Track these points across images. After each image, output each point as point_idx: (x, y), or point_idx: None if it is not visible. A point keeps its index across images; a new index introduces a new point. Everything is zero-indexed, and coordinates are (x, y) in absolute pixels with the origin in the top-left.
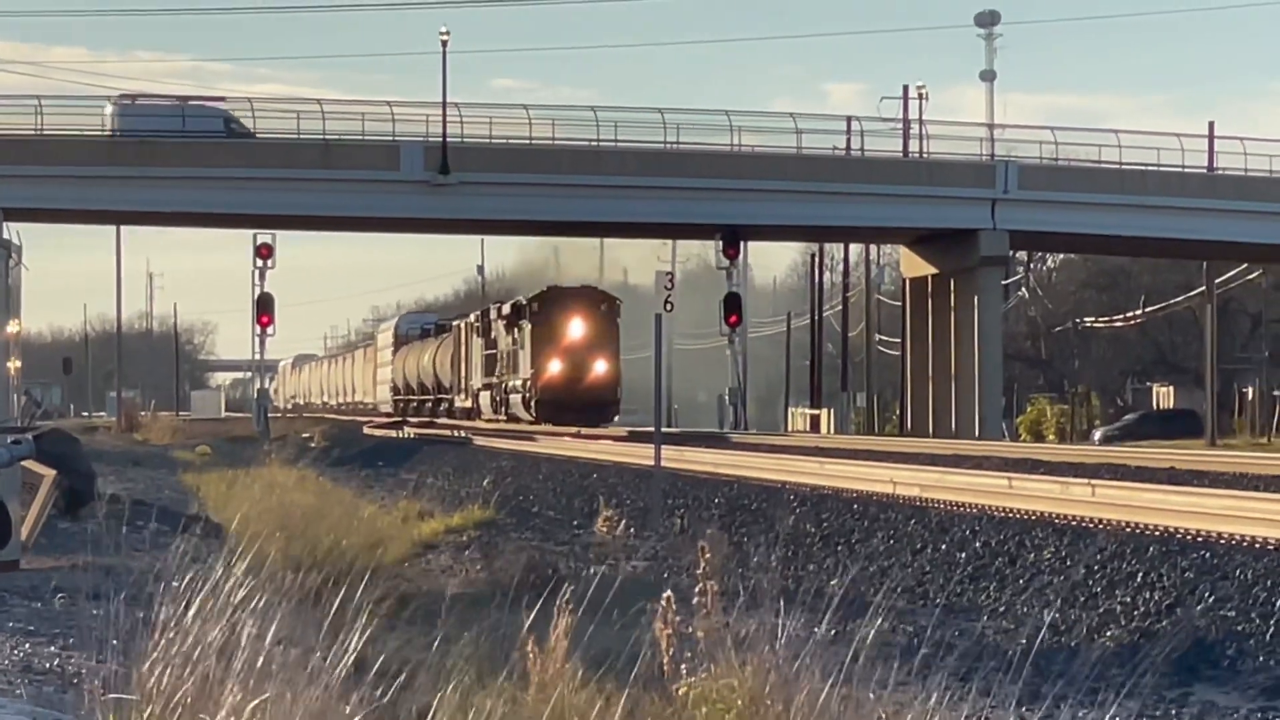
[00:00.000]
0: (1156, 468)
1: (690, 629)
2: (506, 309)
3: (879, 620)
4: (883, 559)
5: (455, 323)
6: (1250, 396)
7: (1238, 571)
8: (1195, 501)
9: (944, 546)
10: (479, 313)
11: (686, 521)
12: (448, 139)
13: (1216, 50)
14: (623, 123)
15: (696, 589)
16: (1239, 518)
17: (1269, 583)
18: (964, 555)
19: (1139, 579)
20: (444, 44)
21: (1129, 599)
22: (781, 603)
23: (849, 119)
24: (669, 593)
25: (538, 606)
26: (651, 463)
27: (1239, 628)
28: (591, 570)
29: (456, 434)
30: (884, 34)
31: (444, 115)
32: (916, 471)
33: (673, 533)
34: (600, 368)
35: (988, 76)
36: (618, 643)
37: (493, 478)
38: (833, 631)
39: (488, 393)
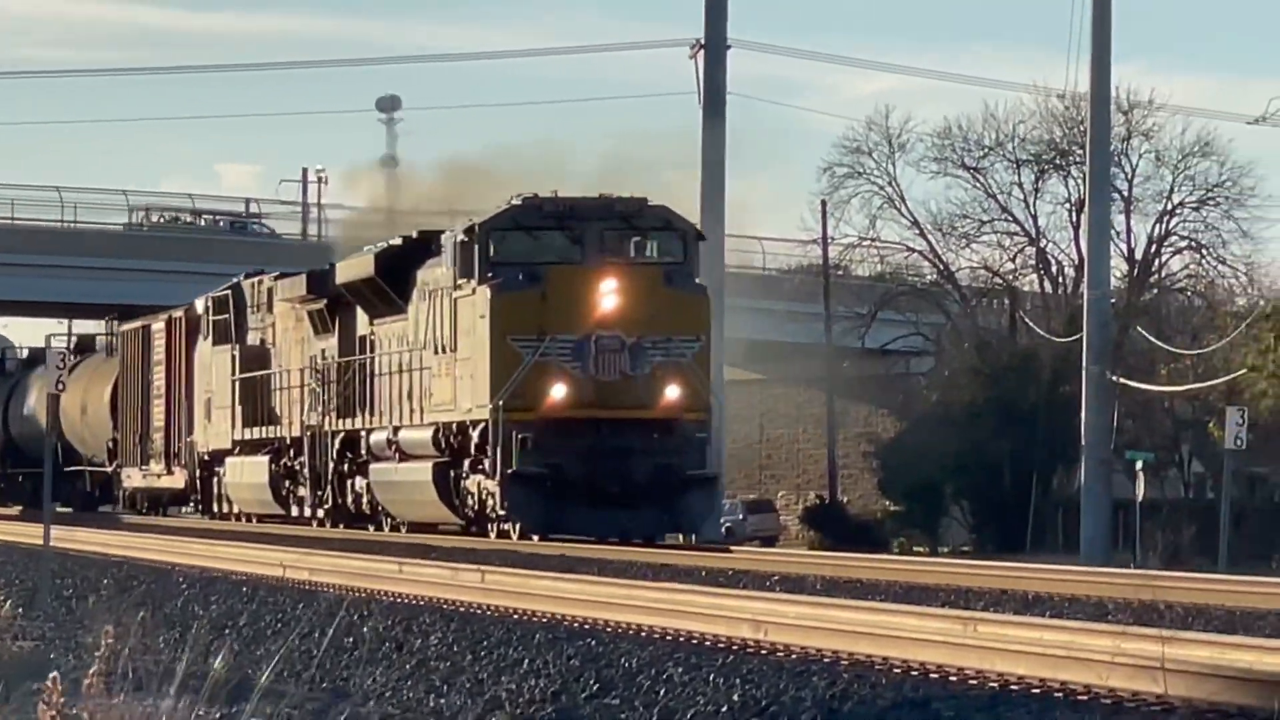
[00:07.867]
0: (549, 554)
1: (75, 710)
2: (363, 267)
3: (261, 702)
4: (270, 641)
5: (146, 323)
6: None
7: (622, 660)
8: (583, 589)
9: (331, 631)
10: (233, 287)
11: (76, 602)
12: None
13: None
14: (18, 200)
15: (85, 670)
16: (626, 605)
17: (653, 671)
18: (352, 639)
19: (525, 665)
20: None
21: (514, 685)
22: (168, 684)
23: (247, 200)
24: (55, 674)
25: None
26: (40, 542)
27: (623, 716)
28: None
29: None
30: (281, 117)
31: None
32: (306, 555)
33: (60, 614)
34: (673, 393)
35: (389, 162)
36: None
37: None
38: (219, 714)
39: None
